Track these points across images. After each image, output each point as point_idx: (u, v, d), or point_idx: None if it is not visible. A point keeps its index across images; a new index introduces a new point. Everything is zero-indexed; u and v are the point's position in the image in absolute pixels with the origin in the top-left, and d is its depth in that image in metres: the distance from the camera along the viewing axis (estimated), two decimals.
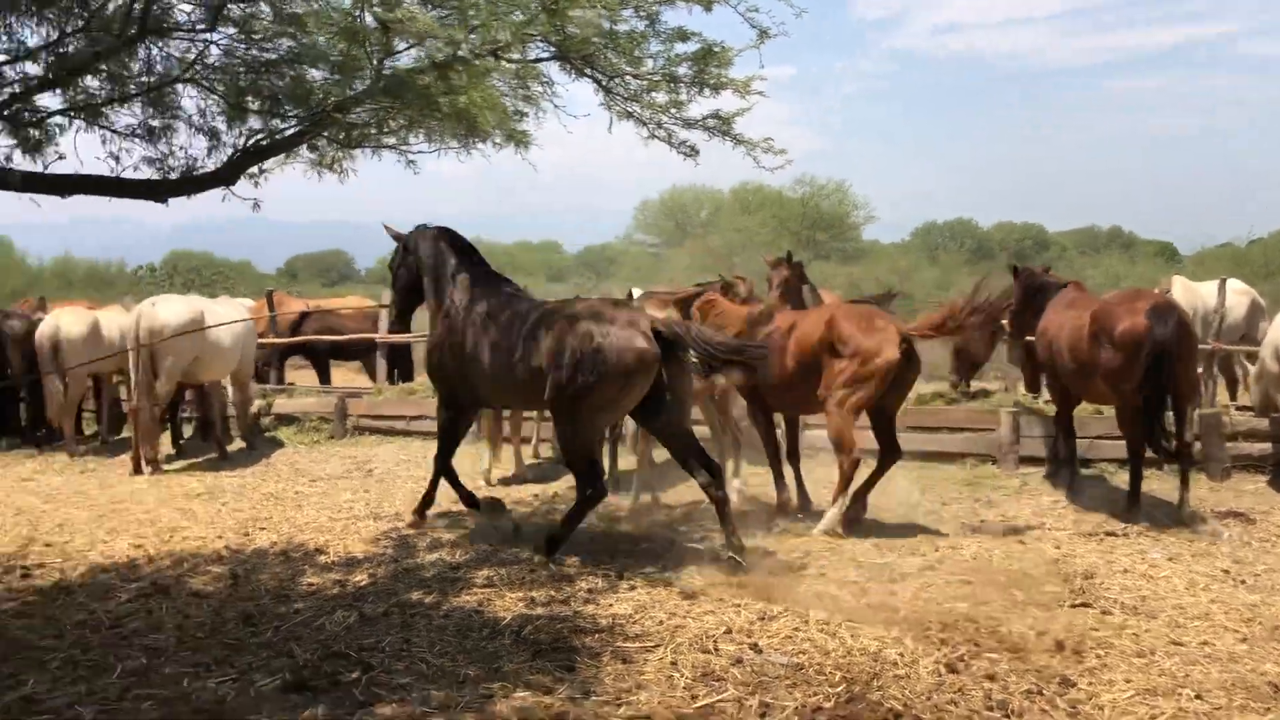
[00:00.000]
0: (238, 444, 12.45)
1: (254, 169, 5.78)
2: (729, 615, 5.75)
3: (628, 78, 6.96)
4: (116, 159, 5.59)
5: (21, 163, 5.63)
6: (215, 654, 5.38)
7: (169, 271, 42.93)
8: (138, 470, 10.77)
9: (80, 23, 5.12)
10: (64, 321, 11.99)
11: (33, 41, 5.23)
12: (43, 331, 12.01)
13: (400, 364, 15.81)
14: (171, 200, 5.51)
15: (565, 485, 9.75)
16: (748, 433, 9.06)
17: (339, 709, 4.54)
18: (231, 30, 5.47)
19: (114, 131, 5.50)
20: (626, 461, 9.58)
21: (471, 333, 7.35)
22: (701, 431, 10.52)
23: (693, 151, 7.29)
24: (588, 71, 6.73)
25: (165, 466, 11.02)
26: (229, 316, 11.60)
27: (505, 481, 9.93)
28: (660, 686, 4.78)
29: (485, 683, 4.84)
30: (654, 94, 7.04)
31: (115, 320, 12.41)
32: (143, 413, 10.74)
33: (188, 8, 5.14)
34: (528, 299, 7.58)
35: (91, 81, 5.42)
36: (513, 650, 5.27)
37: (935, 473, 10.09)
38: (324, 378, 15.68)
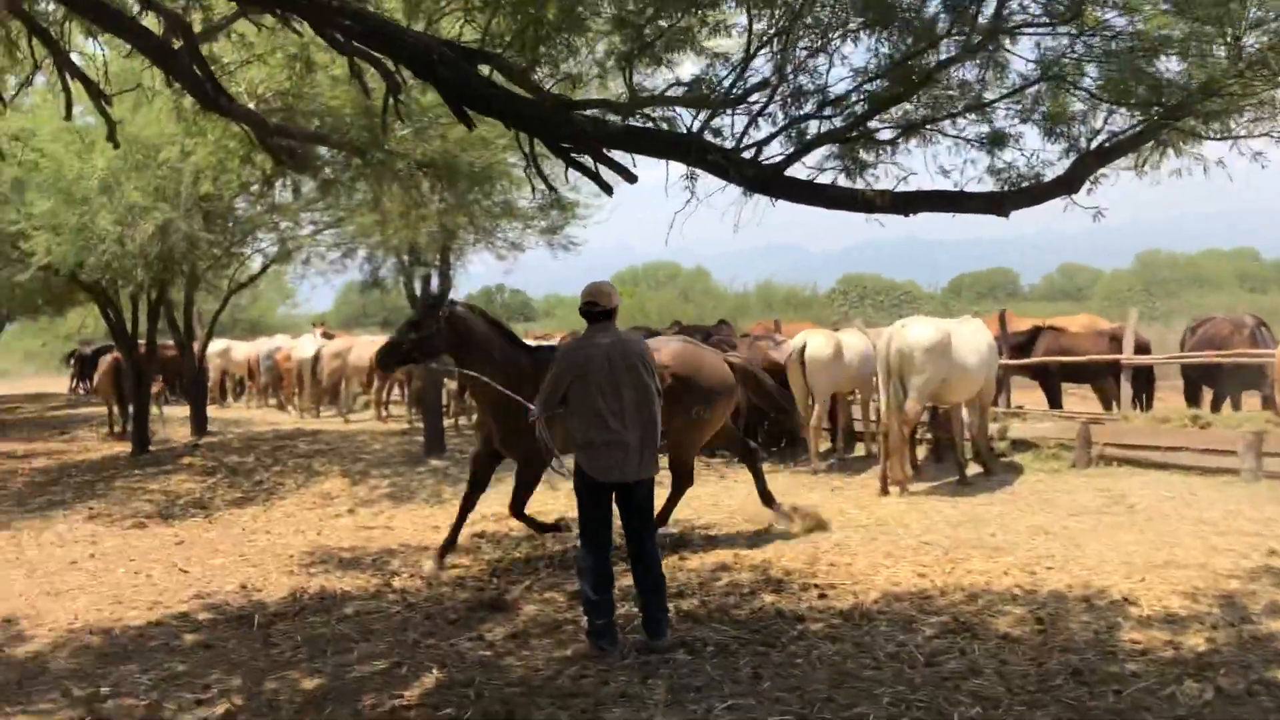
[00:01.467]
0: (972, 468, 12.03)
1: (1095, 174, 5.15)
2: None
3: None
4: (945, 173, 5.30)
5: (846, 184, 5.60)
6: (1054, 712, 4.87)
7: (860, 294, 44.86)
8: (885, 491, 10.81)
9: (923, 36, 4.90)
10: (811, 343, 12.53)
11: (874, 59, 5.12)
12: (792, 353, 12.66)
13: (1144, 389, 14.33)
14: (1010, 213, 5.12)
15: None
16: None
17: None
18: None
19: (961, 139, 5.21)
20: None
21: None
22: None
23: None
24: None
25: (910, 488, 10.93)
26: (971, 337, 11.24)
27: None
28: None
29: None
30: None
31: (853, 342, 12.78)
32: (893, 433, 10.77)
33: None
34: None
35: (926, 94, 5.19)
36: None
37: None
38: (1054, 401, 14.76)
